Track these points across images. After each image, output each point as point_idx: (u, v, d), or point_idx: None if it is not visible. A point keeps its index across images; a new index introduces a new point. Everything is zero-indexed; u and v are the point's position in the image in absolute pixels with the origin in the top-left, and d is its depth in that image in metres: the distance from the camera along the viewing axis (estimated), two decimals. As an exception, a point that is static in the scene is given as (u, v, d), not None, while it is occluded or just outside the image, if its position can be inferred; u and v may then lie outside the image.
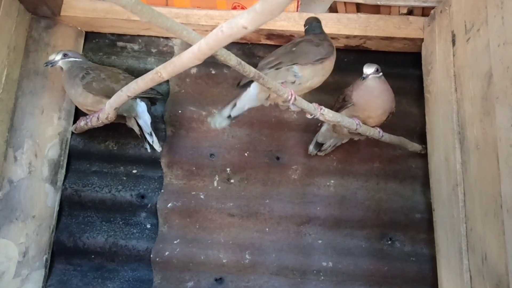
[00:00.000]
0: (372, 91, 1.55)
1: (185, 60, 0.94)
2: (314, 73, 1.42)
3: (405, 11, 1.89)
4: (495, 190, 1.28)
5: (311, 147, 1.83)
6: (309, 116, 1.42)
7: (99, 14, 1.85)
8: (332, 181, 1.87)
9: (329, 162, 1.89)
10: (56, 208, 1.81)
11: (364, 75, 1.53)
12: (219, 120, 1.50)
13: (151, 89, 1.67)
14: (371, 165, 1.89)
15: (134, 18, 1.80)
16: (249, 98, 1.47)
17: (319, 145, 1.81)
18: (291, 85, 1.38)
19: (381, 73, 1.56)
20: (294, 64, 1.40)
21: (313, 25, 1.59)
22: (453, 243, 1.55)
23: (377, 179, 1.88)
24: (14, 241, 1.66)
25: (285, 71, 1.41)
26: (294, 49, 1.44)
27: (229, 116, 1.50)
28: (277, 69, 1.42)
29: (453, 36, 1.60)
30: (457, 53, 1.57)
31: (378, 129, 1.61)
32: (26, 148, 1.74)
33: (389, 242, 1.82)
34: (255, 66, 1.17)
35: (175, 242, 1.80)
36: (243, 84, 1.49)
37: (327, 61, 1.43)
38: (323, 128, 1.74)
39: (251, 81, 1.46)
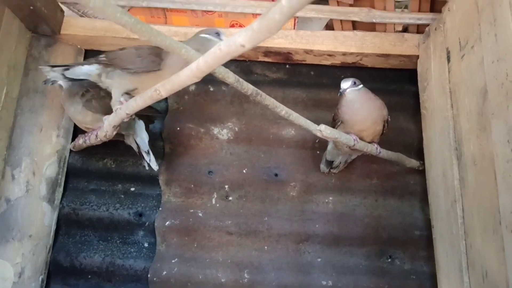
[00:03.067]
0: (353, 104, 1.53)
1: (183, 78, 0.95)
2: (130, 82, 1.45)
3: (400, 28, 1.92)
4: (493, 206, 1.28)
5: (322, 166, 1.84)
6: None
7: (99, 33, 1.88)
8: (330, 198, 1.87)
9: (328, 179, 1.89)
10: (53, 227, 1.79)
11: (341, 90, 1.52)
12: (48, 70, 1.54)
13: (150, 107, 1.68)
14: (369, 182, 1.89)
15: (133, 36, 1.82)
16: (84, 73, 1.52)
17: (329, 163, 1.81)
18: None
19: (360, 85, 1.54)
20: (112, 65, 1.45)
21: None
22: (453, 260, 1.54)
23: (376, 195, 1.87)
24: (10, 261, 1.64)
25: None
26: (119, 52, 1.49)
27: (63, 75, 1.55)
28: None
29: (448, 53, 1.63)
30: (452, 70, 1.59)
31: (376, 145, 1.62)
32: (24, 166, 1.73)
33: (389, 259, 1.80)
34: (253, 83, 1.18)
35: (173, 261, 1.77)
36: None
37: (146, 75, 1.42)
38: (330, 146, 1.75)
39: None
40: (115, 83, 1.42)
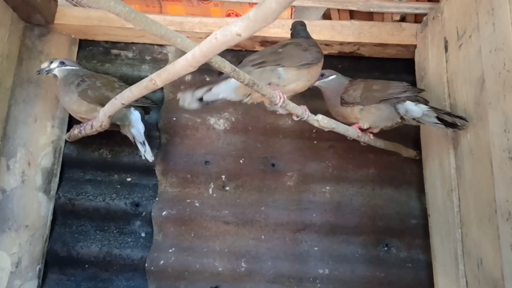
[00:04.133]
0: (325, 96, 1.68)
1: (179, 67, 0.94)
2: (299, 77, 1.38)
3: (398, 18, 1.91)
4: (489, 195, 1.28)
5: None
6: (295, 118, 1.40)
7: (93, 22, 1.85)
8: (327, 188, 1.87)
9: (325, 169, 1.89)
10: (50, 217, 1.79)
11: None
12: (189, 99, 1.35)
13: (145, 98, 1.67)
14: (366, 171, 1.89)
15: (128, 25, 1.80)
16: (226, 88, 1.36)
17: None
18: (274, 86, 1.35)
19: (330, 76, 1.64)
20: (278, 65, 1.36)
21: (297, 28, 1.54)
22: (448, 249, 1.55)
23: (373, 185, 1.88)
24: (7, 251, 1.64)
25: (269, 72, 1.35)
26: (280, 50, 1.41)
27: (201, 99, 1.36)
28: (260, 67, 1.37)
29: (446, 42, 1.62)
30: (450, 59, 1.59)
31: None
32: (19, 157, 1.72)
33: (385, 248, 1.82)
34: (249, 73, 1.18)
35: (170, 250, 1.78)
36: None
37: (314, 67, 1.41)
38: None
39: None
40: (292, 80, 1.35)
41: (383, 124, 1.55)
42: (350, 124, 1.56)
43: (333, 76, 1.64)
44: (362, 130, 1.57)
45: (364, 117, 1.54)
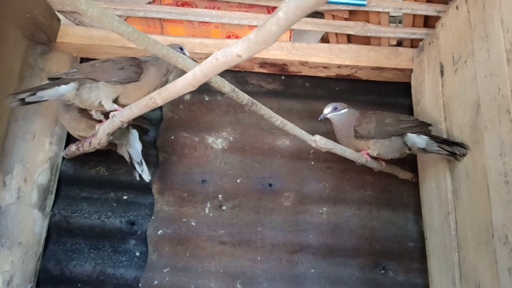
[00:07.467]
0: (335, 128, 1.67)
1: (179, 86, 0.95)
2: (115, 92, 1.42)
3: (394, 42, 1.95)
4: (486, 219, 1.28)
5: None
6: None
7: (95, 41, 1.88)
8: (324, 209, 1.86)
9: (322, 190, 1.89)
10: (44, 235, 1.77)
11: (321, 116, 1.66)
12: (10, 100, 1.40)
13: (143, 118, 1.68)
14: (363, 193, 1.89)
15: (129, 45, 1.82)
16: (51, 95, 1.42)
17: None
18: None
19: (342, 110, 1.64)
20: (92, 79, 1.42)
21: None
22: (446, 272, 1.54)
23: (370, 207, 1.88)
24: (-1, 269, 1.62)
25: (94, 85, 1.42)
26: (97, 65, 1.46)
27: (23, 100, 1.40)
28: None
29: (442, 67, 1.65)
30: (446, 84, 1.61)
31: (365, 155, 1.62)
32: (16, 173, 1.71)
33: (382, 271, 1.80)
34: (248, 93, 1.19)
35: (164, 270, 1.76)
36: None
37: (128, 85, 1.43)
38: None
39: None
40: (103, 94, 1.40)
41: (393, 155, 1.60)
42: (359, 151, 1.61)
43: (346, 110, 1.65)
44: (371, 157, 1.62)
45: (377, 148, 1.59)
